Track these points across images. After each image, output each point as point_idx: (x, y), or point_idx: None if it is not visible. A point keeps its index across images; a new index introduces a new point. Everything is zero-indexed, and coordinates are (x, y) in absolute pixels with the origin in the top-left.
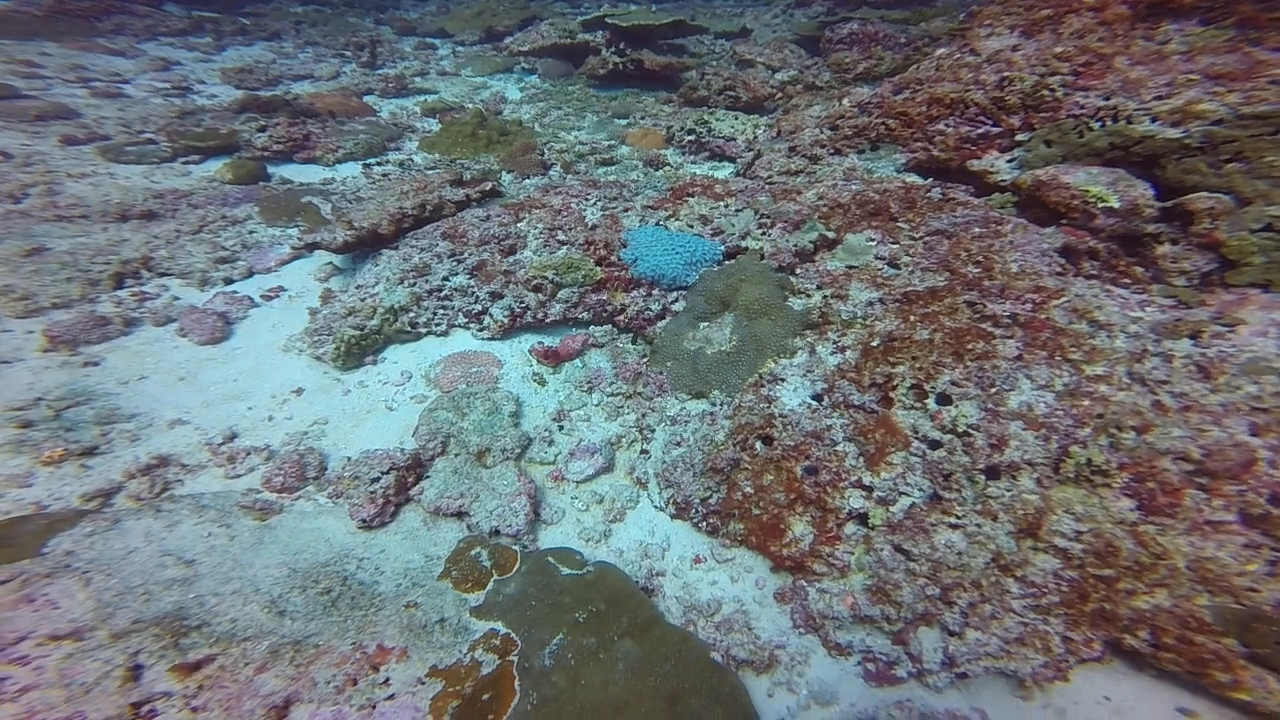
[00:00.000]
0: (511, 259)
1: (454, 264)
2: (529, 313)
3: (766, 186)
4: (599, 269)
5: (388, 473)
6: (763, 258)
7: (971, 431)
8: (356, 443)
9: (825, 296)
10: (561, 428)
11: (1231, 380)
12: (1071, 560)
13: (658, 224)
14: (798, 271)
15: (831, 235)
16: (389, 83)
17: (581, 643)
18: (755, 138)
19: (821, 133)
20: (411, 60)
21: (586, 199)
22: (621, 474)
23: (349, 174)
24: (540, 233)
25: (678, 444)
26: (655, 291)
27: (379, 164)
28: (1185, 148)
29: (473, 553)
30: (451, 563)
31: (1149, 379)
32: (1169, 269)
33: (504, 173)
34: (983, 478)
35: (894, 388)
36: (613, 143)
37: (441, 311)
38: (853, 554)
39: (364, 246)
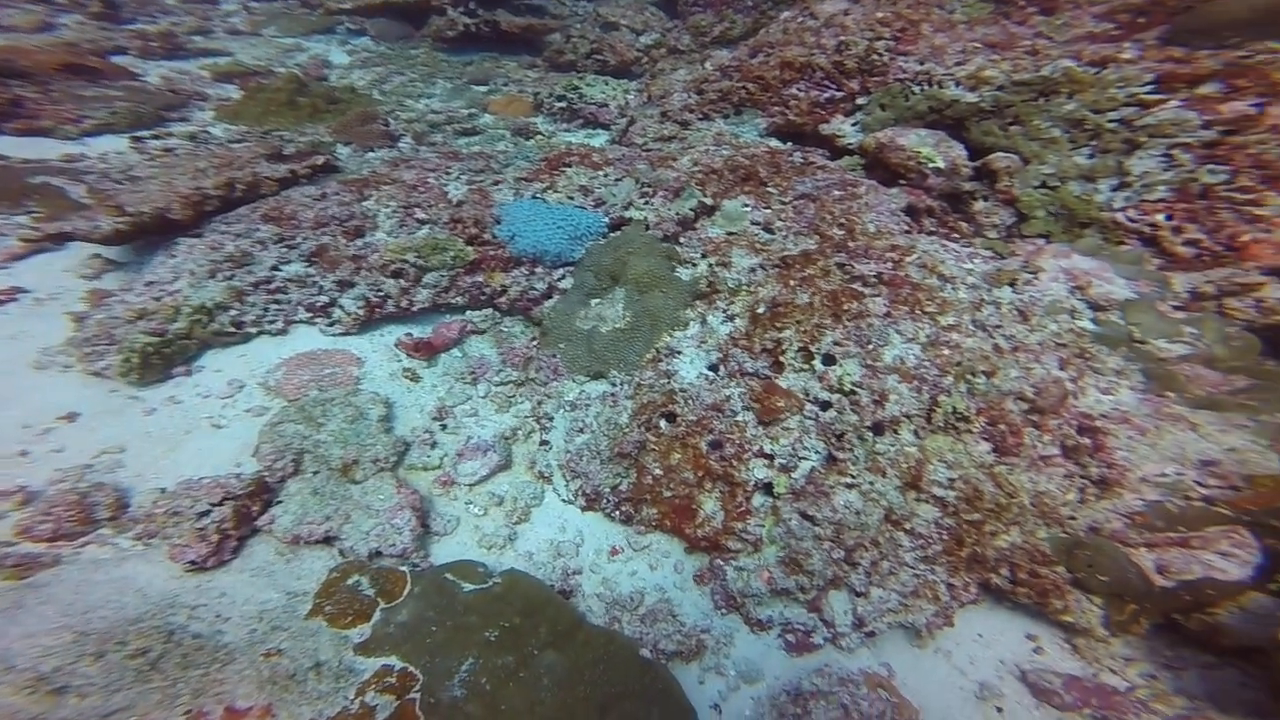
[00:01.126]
0: (360, 242)
1: (284, 250)
2: (390, 301)
3: (644, 153)
4: (471, 249)
5: (221, 503)
6: (647, 228)
7: (856, 390)
8: (173, 471)
9: (711, 265)
10: (445, 427)
11: (1040, 321)
12: (947, 508)
13: (534, 197)
14: (681, 240)
15: (710, 202)
16: (150, 40)
17: (497, 664)
18: (627, 104)
19: (689, 97)
20: (181, 15)
21: (447, 172)
22: (521, 470)
23: (108, 149)
24: (394, 211)
25: (580, 430)
26: (539, 269)
27: (156, 137)
28: (982, 111)
29: (350, 582)
30: (323, 596)
31: (988, 325)
32: (984, 224)
33: (338, 145)
34: (870, 435)
35: (783, 352)
36: (473, 111)
37: (275, 307)
38: (763, 526)
39: (147, 235)
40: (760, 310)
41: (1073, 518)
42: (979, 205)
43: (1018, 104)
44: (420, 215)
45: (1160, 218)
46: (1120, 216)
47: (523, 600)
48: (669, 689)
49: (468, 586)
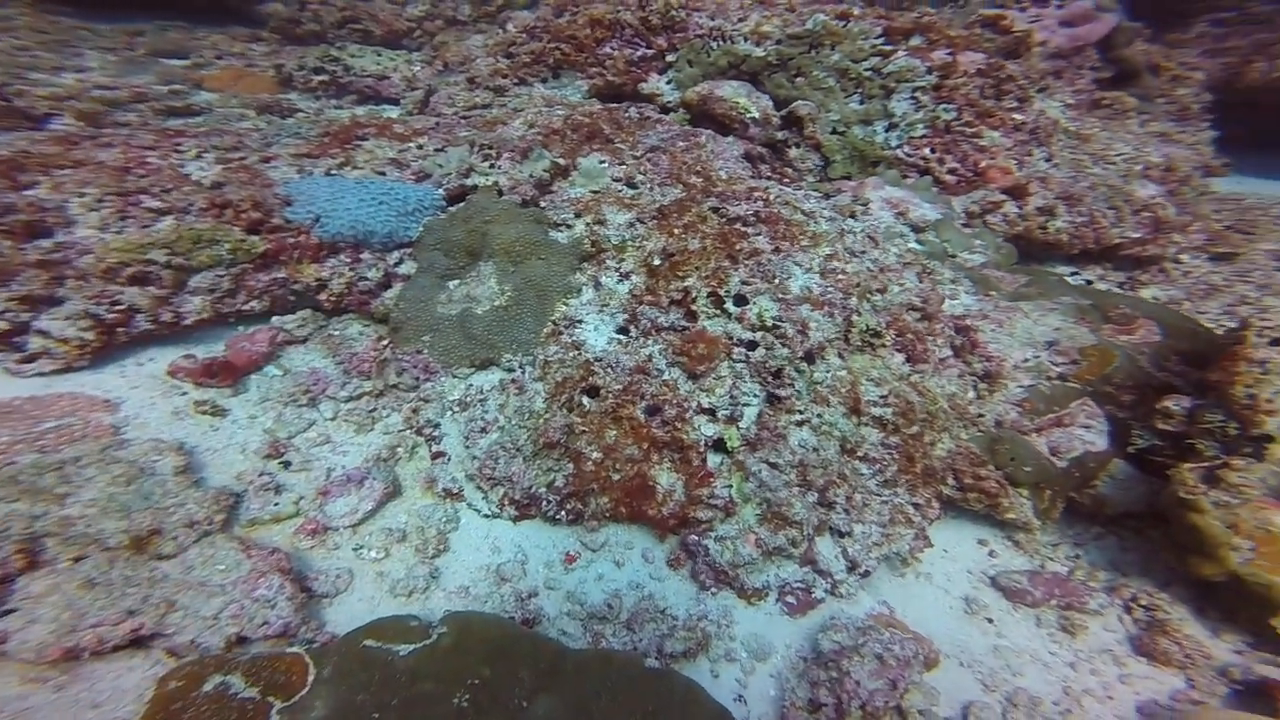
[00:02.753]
0: (48, 242)
1: None
2: (141, 317)
3: (462, 120)
4: (257, 238)
5: None
6: (501, 193)
7: (778, 323)
8: None
9: (588, 224)
10: (288, 464)
11: (886, 244)
12: (887, 427)
13: (329, 174)
14: (543, 204)
15: (563, 162)
16: None
17: None
18: (414, 75)
19: (498, 61)
20: None
21: (179, 150)
22: (417, 493)
23: None
24: (100, 200)
25: (483, 430)
26: (365, 255)
27: None
28: (770, 64)
29: (210, 687)
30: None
31: (856, 251)
32: (801, 169)
33: None
34: (806, 365)
35: (693, 300)
36: (179, 88)
37: None
38: (730, 486)
39: None
40: (656, 262)
41: (981, 415)
42: (794, 152)
43: (797, 56)
44: (153, 203)
45: (927, 151)
46: (899, 153)
47: (484, 646)
48: (691, 694)
49: (404, 648)
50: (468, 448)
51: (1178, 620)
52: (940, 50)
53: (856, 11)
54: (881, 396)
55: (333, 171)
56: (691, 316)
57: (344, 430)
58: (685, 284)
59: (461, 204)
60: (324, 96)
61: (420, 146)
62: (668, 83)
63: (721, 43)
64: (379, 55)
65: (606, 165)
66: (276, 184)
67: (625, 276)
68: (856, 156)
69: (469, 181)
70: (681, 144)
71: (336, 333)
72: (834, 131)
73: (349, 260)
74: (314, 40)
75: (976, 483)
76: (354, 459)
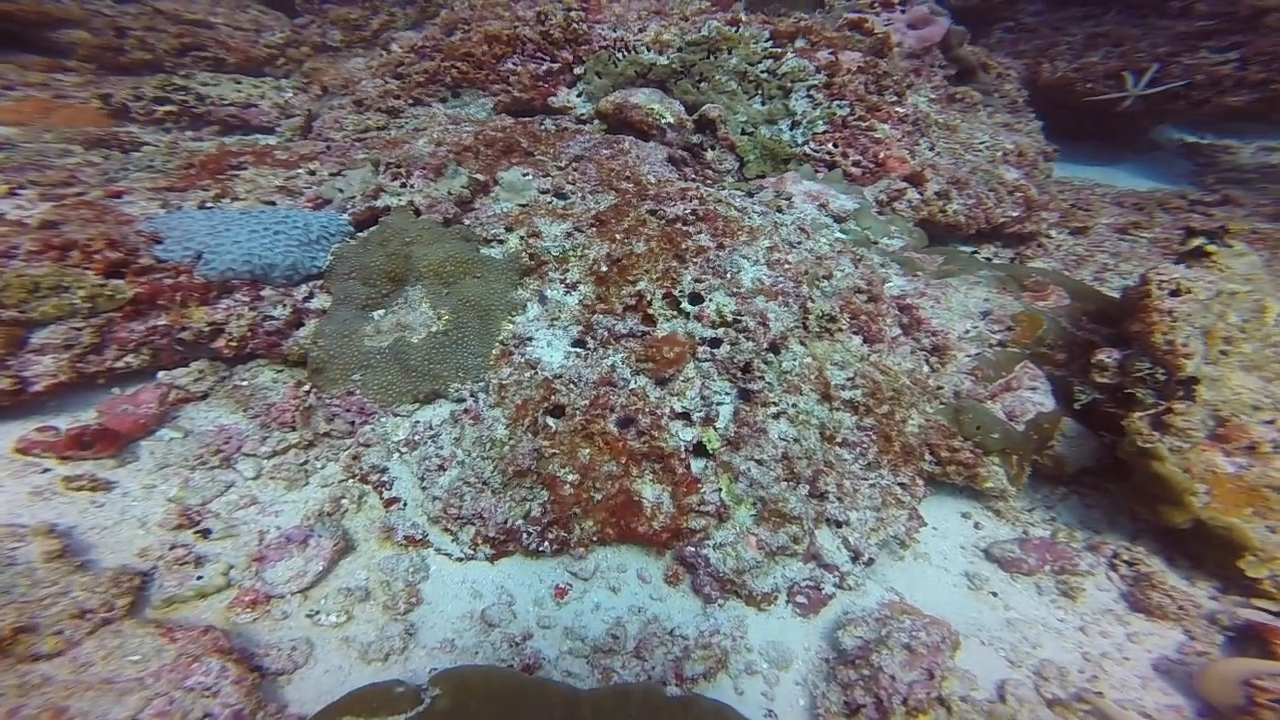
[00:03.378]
0: None
1: None
2: None
3: (357, 143)
4: (122, 282)
5: None
6: (419, 213)
7: (738, 317)
8: None
9: (522, 238)
10: (206, 533)
11: (816, 234)
12: (860, 409)
13: (204, 207)
14: (467, 220)
15: (481, 178)
16: None
17: None
18: (287, 101)
19: (387, 83)
20: None
21: None
22: (374, 545)
23: None
24: None
25: (440, 468)
26: (267, 292)
27: None
28: (675, 71)
29: None
30: None
31: (793, 242)
32: (719, 170)
33: None
34: (773, 356)
35: (649, 304)
36: None
37: None
38: (719, 490)
39: None
40: (603, 269)
41: (940, 387)
42: (711, 154)
43: (699, 62)
44: None
45: (831, 146)
46: (807, 149)
47: (486, 702)
48: (722, 717)
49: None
50: (425, 489)
51: (1160, 573)
52: (823, 50)
53: (744, 17)
54: (849, 379)
55: (208, 204)
56: (649, 320)
57: (273, 488)
58: (637, 288)
59: (374, 227)
60: (176, 128)
61: (312, 172)
62: (578, 95)
63: (627, 53)
64: (238, 83)
65: (530, 178)
66: (136, 220)
67: (572, 287)
68: (768, 155)
69: (379, 203)
70: (605, 152)
71: (244, 382)
72: (743, 132)
73: (247, 299)
74: (146, 69)
75: (952, 455)
76: (290, 518)
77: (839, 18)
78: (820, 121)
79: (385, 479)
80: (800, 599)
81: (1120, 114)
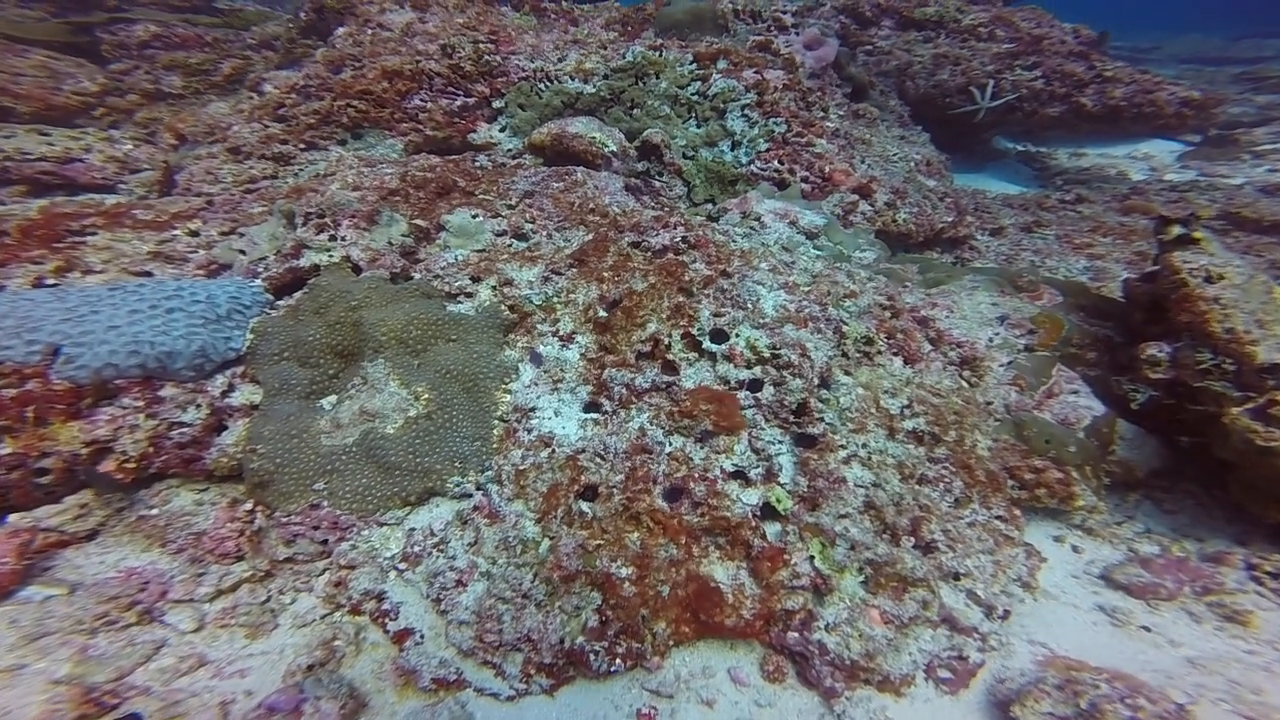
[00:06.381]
0: None
1: None
2: None
3: (246, 194)
4: None
5: None
6: (358, 270)
7: (776, 352)
8: None
9: (493, 288)
10: None
11: (796, 252)
12: (925, 439)
13: (41, 285)
14: (416, 274)
15: (422, 224)
16: None
17: None
18: (128, 154)
19: (267, 127)
20: None
21: None
22: (391, 697)
23: None
24: None
25: (460, 583)
26: (169, 390)
27: None
28: (604, 99)
29: None
30: None
31: (787, 262)
32: (670, 196)
33: None
34: (826, 392)
35: (666, 348)
36: None
37: None
38: (812, 557)
39: None
40: (601, 314)
41: (989, 403)
42: (660, 181)
43: (628, 89)
44: None
45: (777, 164)
46: (753, 169)
47: None
48: None
49: None
50: (444, 613)
51: None
52: (747, 70)
53: (660, 42)
54: (905, 407)
55: (47, 281)
56: (670, 368)
57: (228, 640)
58: (649, 331)
59: (301, 292)
60: None
61: (194, 233)
62: (501, 130)
63: (550, 83)
64: (45, 134)
65: (481, 219)
66: None
67: (568, 340)
68: (714, 178)
69: (301, 262)
70: (557, 185)
71: (154, 511)
72: (685, 156)
73: (141, 403)
74: None
75: (1038, 477)
76: (266, 677)
77: (746, 41)
78: (761, 140)
79: (386, 606)
80: (943, 673)
81: (974, 125)
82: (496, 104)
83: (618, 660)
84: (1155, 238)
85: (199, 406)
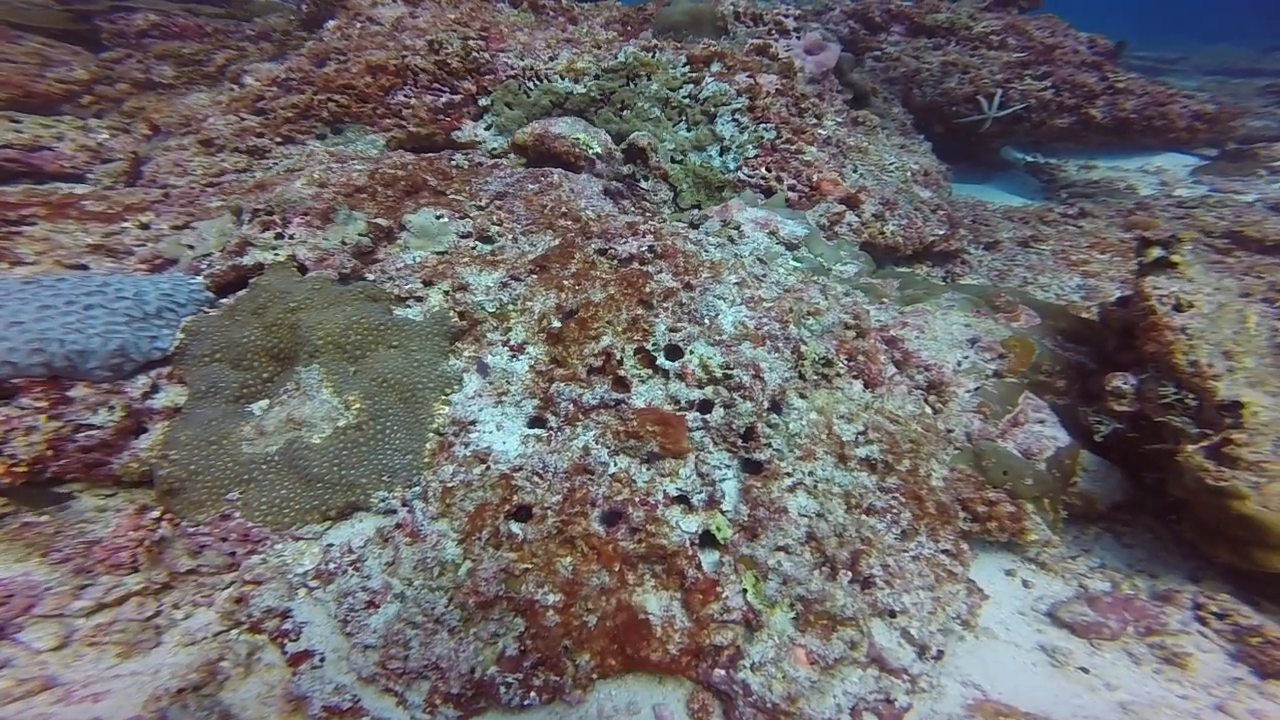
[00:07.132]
0: None
1: None
2: None
3: (209, 188)
4: None
5: None
6: (304, 270)
7: (728, 372)
8: None
9: (446, 292)
10: None
11: (773, 263)
12: (878, 468)
13: None
14: (370, 276)
15: (384, 223)
16: None
17: None
18: (101, 144)
19: (244, 119)
20: None
21: None
22: None
23: None
24: None
25: (371, 604)
26: (80, 390)
27: None
28: (594, 100)
29: None
30: None
31: (758, 274)
32: (655, 200)
33: None
34: (776, 416)
35: (618, 364)
36: None
37: None
38: (743, 590)
39: None
40: (555, 325)
41: (950, 430)
42: (645, 185)
43: (619, 90)
44: None
45: (764, 171)
46: (740, 175)
47: None
48: None
49: None
50: (350, 635)
51: (1257, 624)
52: (740, 74)
53: (655, 43)
54: (859, 434)
55: None
56: (621, 384)
57: (94, 660)
58: (602, 345)
59: (243, 292)
60: None
61: (145, 225)
62: (487, 128)
63: (539, 82)
64: (16, 122)
65: (446, 220)
66: None
67: (519, 350)
68: (701, 183)
69: (245, 260)
70: (532, 186)
71: (43, 518)
72: (673, 160)
73: (43, 404)
74: None
75: (991, 510)
76: (127, 702)
77: (744, 44)
78: (750, 146)
79: (289, 626)
80: (868, 716)
81: (980, 135)
82: (483, 102)
83: (532, 693)
84: (1136, 259)
85: (112, 408)
